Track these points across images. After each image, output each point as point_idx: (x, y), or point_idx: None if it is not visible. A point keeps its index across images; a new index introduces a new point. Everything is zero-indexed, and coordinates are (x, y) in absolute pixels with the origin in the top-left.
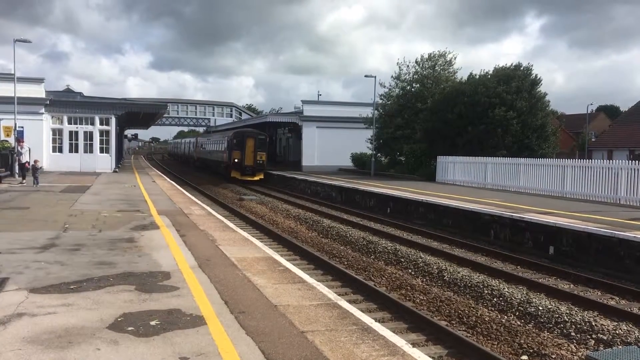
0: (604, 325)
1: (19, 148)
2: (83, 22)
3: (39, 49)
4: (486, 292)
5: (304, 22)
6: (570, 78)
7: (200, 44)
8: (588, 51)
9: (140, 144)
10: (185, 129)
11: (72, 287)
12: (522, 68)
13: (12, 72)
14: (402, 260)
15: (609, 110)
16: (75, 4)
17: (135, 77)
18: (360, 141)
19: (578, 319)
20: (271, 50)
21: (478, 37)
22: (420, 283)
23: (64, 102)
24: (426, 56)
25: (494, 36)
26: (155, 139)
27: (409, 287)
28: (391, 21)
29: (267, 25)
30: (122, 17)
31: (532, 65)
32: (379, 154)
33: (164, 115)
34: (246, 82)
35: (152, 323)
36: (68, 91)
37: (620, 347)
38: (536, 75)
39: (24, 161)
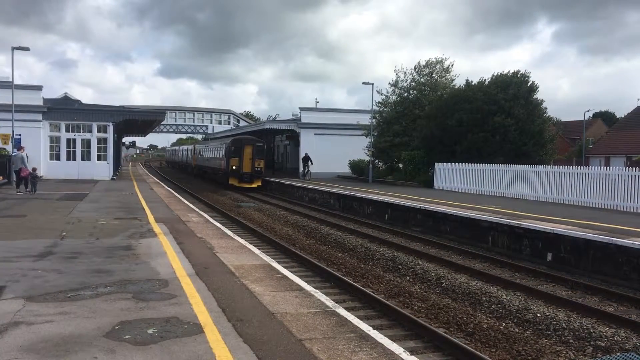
0: (603, 332)
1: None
2: (95, 29)
3: (48, 57)
4: (484, 299)
5: (316, 29)
6: (577, 85)
7: (210, 51)
8: (598, 58)
9: (138, 152)
10: (184, 136)
11: (69, 295)
12: (519, 75)
13: (10, 80)
14: (400, 267)
15: (606, 117)
16: (87, 12)
17: (140, 85)
18: (358, 148)
19: (576, 326)
20: (280, 57)
21: (489, 44)
22: (419, 290)
23: (61, 110)
24: (423, 63)
25: (505, 43)
26: (153, 147)
27: (407, 294)
28: (403, 29)
29: (279, 33)
30: (134, 24)
31: (529, 73)
32: (376, 161)
33: (162, 123)
34: (251, 89)
35: (150, 331)
36: (66, 99)
37: (619, 354)
38: (533, 82)
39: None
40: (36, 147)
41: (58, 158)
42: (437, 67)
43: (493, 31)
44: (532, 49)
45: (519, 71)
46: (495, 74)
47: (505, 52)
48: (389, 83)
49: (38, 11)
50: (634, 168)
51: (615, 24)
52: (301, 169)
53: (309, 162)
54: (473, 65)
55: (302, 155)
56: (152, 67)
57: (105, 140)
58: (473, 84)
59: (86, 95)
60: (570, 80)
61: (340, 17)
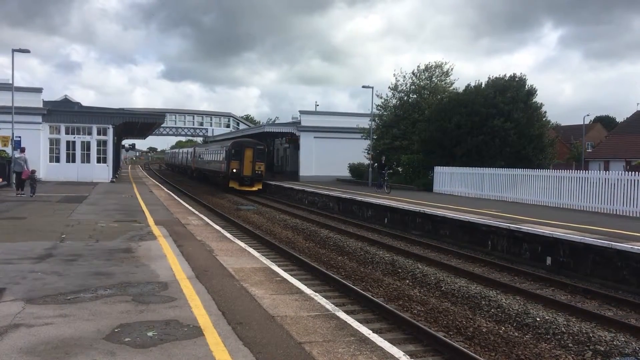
0: (602, 337)
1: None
2: (100, 31)
3: (52, 59)
4: (484, 302)
5: (321, 32)
6: (580, 89)
7: (215, 54)
8: (603, 62)
9: (137, 154)
10: (183, 138)
11: (69, 297)
12: (517, 79)
13: (10, 82)
14: (399, 270)
15: (606, 121)
16: (93, 14)
17: (142, 87)
18: (358, 151)
19: (575, 330)
20: (285, 60)
21: (494, 48)
22: (418, 294)
23: (61, 112)
24: (423, 67)
25: (511, 47)
26: (152, 149)
27: (406, 298)
28: (409, 32)
29: (284, 36)
30: (140, 27)
31: (525, 76)
32: (376, 164)
33: (162, 125)
34: (254, 92)
35: (149, 334)
36: (66, 101)
37: (618, 358)
38: (531, 86)
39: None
40: (36, 150)
41: (58, 160)
42: (437, 71)
43: (499, 35)
44: (537, 53)
45: (515, 75)
46: (491, 77)
47: (510, 56)
48: (389, 87)
49: (44, 13)
50: (633, 172)
51: (621, 29)
52: (379, 178)
53: (387, 169)
54: (477, 68)
55: (302, 158)
56: (155, 69)
57: (105, 142)
58: (470, 87)
59: (88, 98)
60: (573, 84)
61: (347, 20)
